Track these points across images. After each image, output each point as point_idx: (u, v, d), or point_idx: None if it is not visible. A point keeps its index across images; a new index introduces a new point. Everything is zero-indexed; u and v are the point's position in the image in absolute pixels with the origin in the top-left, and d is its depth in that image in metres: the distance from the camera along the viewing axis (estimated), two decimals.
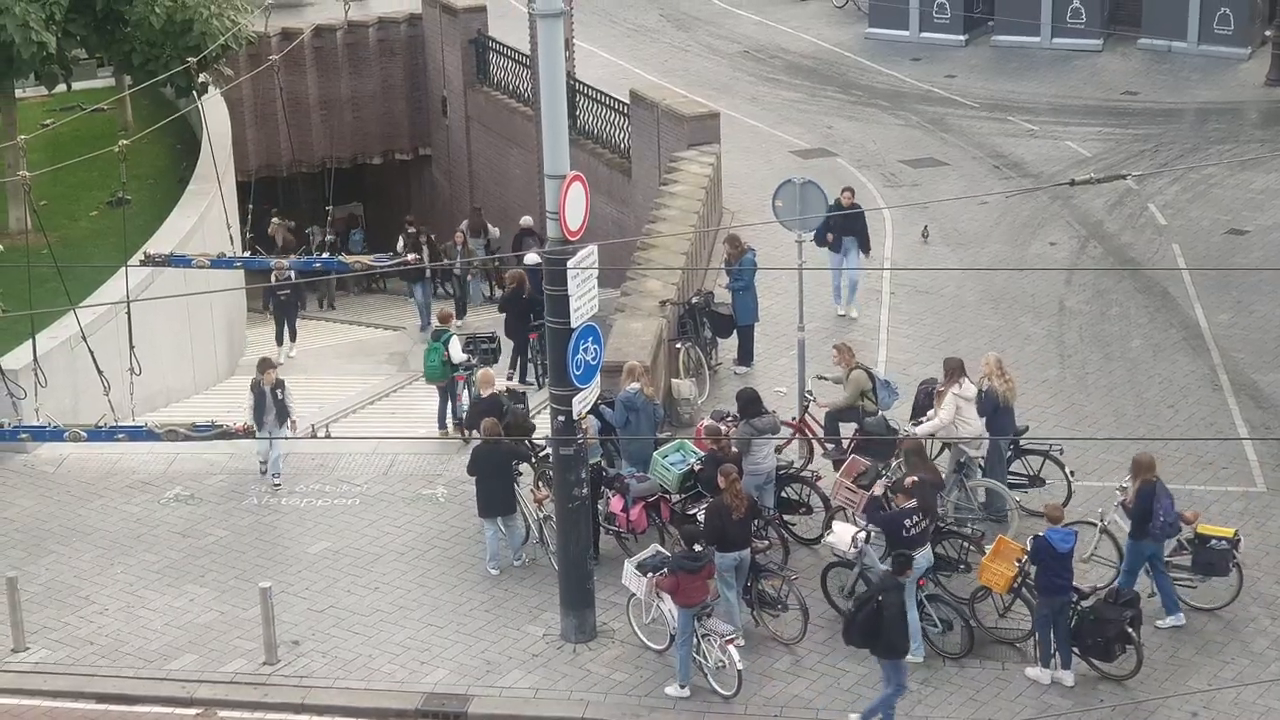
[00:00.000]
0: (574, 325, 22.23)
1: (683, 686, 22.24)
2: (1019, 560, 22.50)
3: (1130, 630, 21.88)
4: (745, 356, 30.85)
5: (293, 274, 33.20)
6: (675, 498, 24.90)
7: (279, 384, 27.71)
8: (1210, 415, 28.75)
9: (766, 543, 24.11)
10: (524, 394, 28.64)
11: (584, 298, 22.38)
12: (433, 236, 41.27)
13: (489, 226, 42.09)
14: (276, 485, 27.55)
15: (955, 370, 25.40)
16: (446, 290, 41.79)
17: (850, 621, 21.35)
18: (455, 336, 29.91)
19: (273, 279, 34.78)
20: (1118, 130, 42.54)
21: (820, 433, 26.72)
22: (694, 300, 30.78)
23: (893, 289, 33.93)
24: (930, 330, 31.86)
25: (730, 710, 21.92)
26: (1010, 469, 25.80)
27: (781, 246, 31.81)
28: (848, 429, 26.55)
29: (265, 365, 27.70)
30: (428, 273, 36.86)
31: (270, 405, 27.35)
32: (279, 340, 37.30)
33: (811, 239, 30.06)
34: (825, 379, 27.56)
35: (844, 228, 31.70)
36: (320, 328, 40.67)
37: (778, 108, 45.11)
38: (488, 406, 26.35)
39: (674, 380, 29.28)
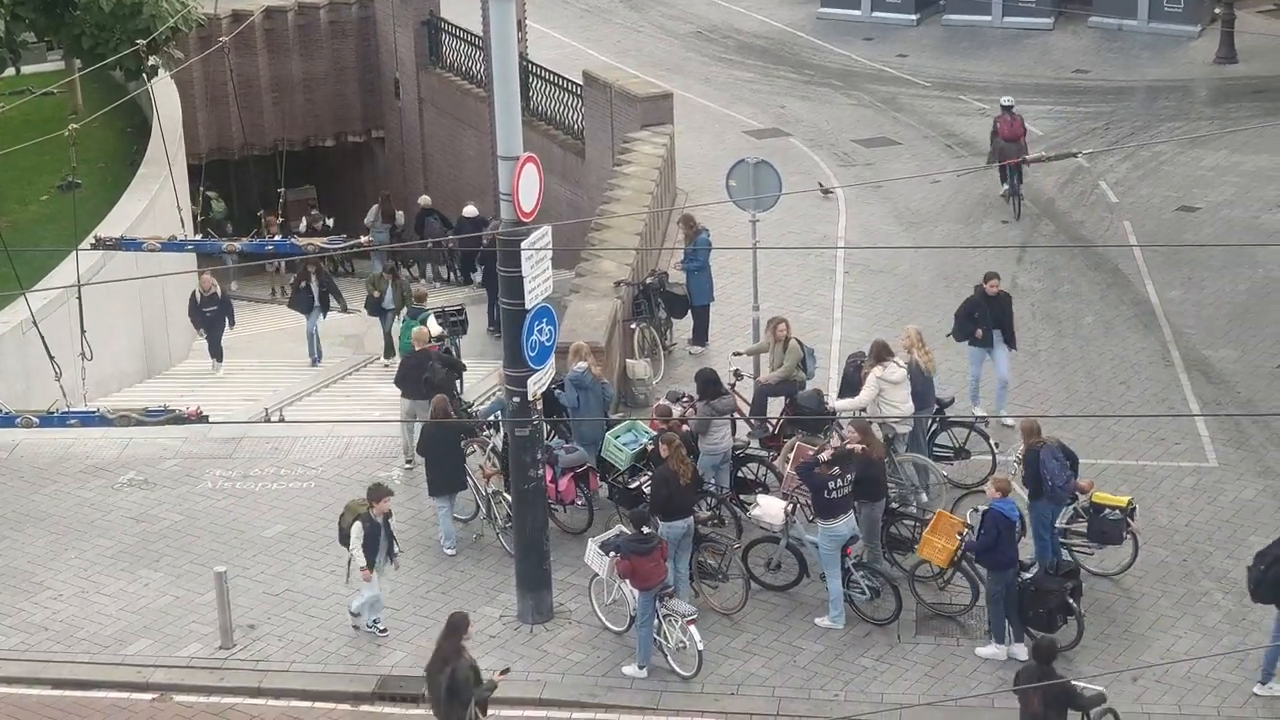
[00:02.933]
0: (529, 307, 22.21)
1: (641, 667, 22.29)
2: (960, 534, 22.68)
3: (1071, 600, 22.08)
4: (700, 336, 30.89)
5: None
6: (622, 475, 24.94)
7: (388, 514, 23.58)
8: (1162, 391, 28.91)
9: (708, 513, 24.16)
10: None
11: (538, 279, 22.37)
12: (328, 222, 42.03)
13: (396, 212, 43.14)
14: (383, 632, 23.51)
15: (880, 352, 25.50)
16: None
17: (1260, 579, 21.32)
18: (430, 314, 30.90)
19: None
20: (1069, 108, 42.70)
21: (747, 410, 26.76)
22: (649, 281, 30.80)
23: (847, 268, 33.98)
24: (884, 309, 31.95)
25: (688, 689, 21.98)
26: (936, 441, 25.98)
27: (736, 227, 31.86)
28: (777, 407, 26.62)
29: (379, 493, 23.13)
30: (315, 301, 35.13)
31: (384, 539, 23.25)
32: (218, 354, 35.13)
33: (950, 336, 28.14)
34: (740, 354, 27.66)
35: (994, 319, 27.76)
36: (275, 311, 40.50)
37: (730, 88, 45.14)
38: (417, 362, 27.35)
39: (629, 361, 29.30)
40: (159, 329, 36.32)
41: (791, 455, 24.54)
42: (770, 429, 26.20)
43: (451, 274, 42.25)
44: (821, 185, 36.29)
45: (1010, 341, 27.86)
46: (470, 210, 39.88)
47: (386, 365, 34.20)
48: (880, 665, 22.38)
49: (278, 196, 42.00)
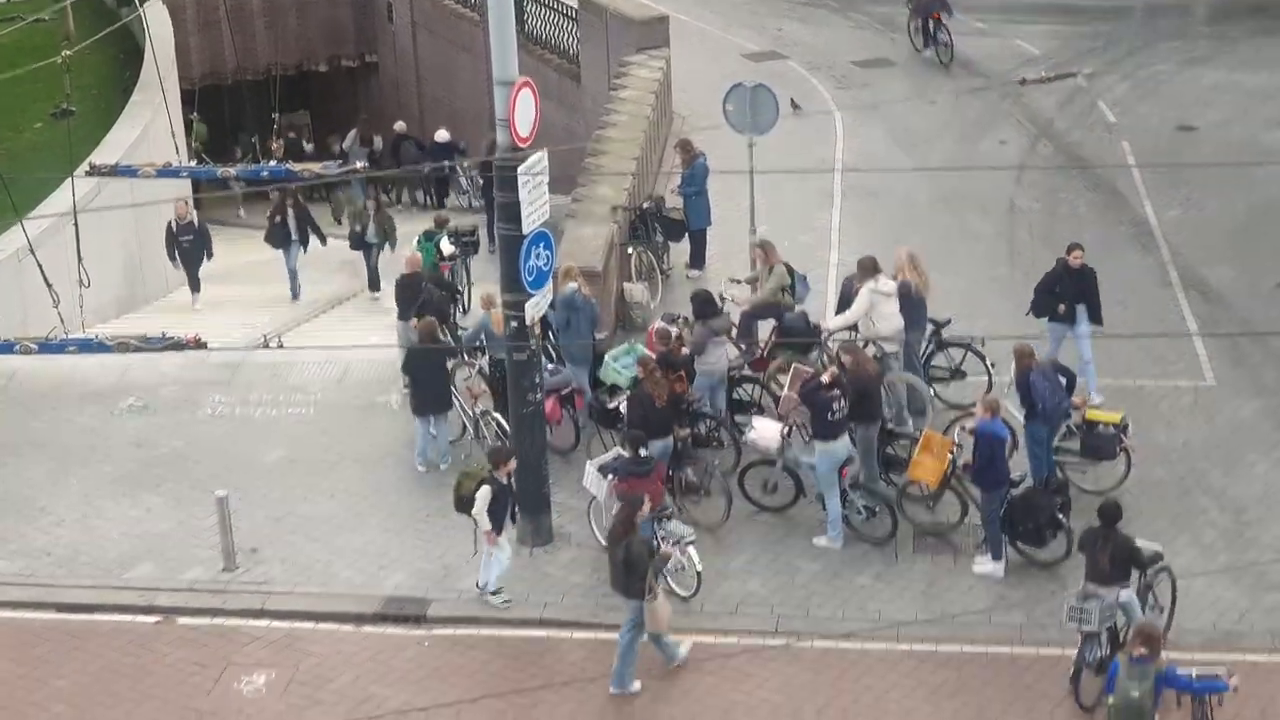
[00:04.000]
0: (525, 231, 22.22)
1: None
2: (950, 453, 22.78)
3: (1060, 516, 22.19)
4: (697, 260, 30.89)
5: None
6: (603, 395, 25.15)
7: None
8: (1160, 311, 28.94)
9: (686, 432, 24.28)
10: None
11: (535, 204, 22.36)
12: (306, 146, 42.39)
13: (375, 137, 43.29)
14: (508, 603, 22.62)
15: (869, 268, 25.55)
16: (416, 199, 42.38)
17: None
18: (444, 234, 31.52)
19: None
20: (1067, 28, 42.58)
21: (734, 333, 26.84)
22: (645, 205, 30.79)
23: (844, 191, 33.95)
24: (881, 231, 31.91)
25: (687, 609, 22.08)
26: (932, 362, 26.06)
27: (733, 150, 31.77)
28: (765, 331, 26.68)
29: (504, 455, 22.40)
30: (293, 235, 34.44)
31: (507, 501, 22.46)
32: (195, 286, 34.59)
33: (1029, 313, 26.30)
34: (738, 281, 27.67)
35: (1076, 293, 26.11)
36: (241, 233, 40.44)
37: (727, 11, 45.00)
38: (409, 283, 27.60)
39: (626, 285, 29.32)
40: (155, 256, 36.25)
41: (789, 379, 24.60)
42: (757, 352, 26.26)
43: (427, 199, 42.41)
44: (793, 101, 36.08)
45: (1095, 316, 26.07)
46: (442, 135, 40.19)
47: (375, 299, 34.16)
48: (878, 584, 22.50)
49: (272, 122, 41.96)
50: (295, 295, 35.03)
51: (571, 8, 40.16)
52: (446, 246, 31.39)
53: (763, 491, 24.05)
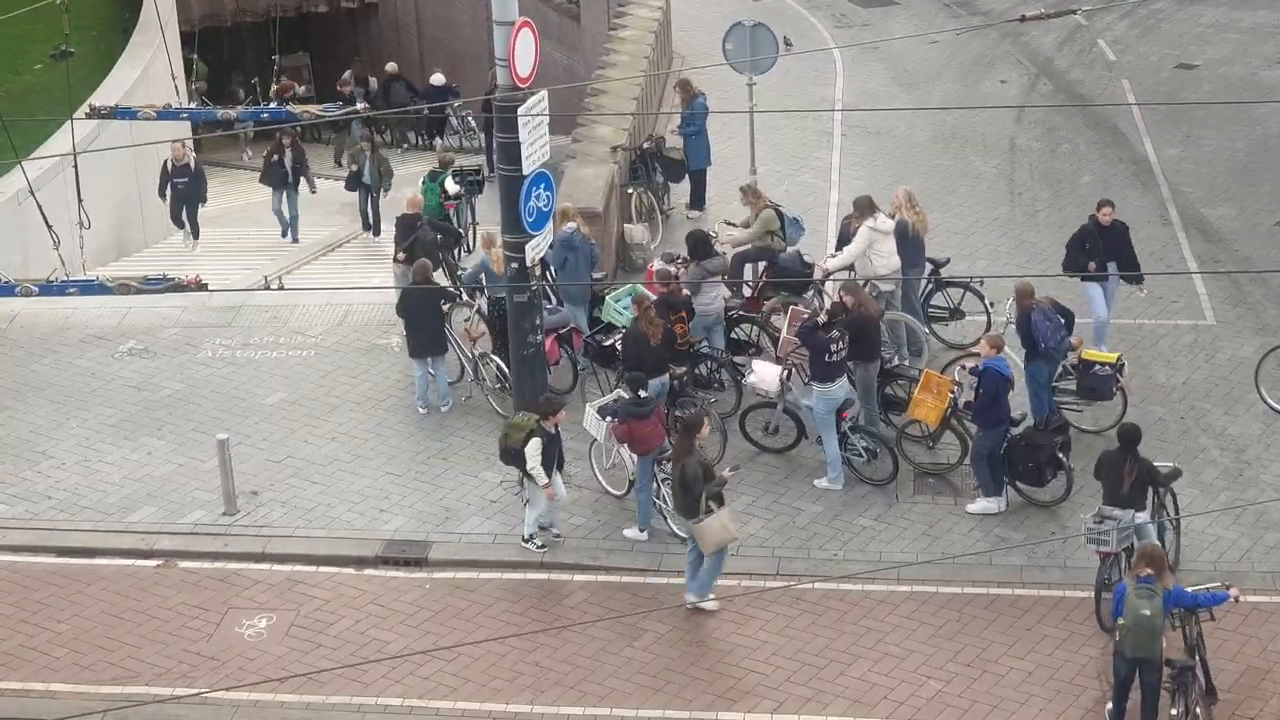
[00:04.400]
0: (526, 172, 22.18)
1: (642, 530, 22.44)
2: (951, 392, 22.81)
3: (1060, 455, 22.22)
4: (697, 201, 30.84)
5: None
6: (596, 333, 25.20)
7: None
8: (1160, 250, 28.91)
9: (683, 369, 24.30)
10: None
11: (535, 144, 22.31)
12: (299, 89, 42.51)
13: (370, 79, 43.01)
14: (558, 537, 22.69)
15: (866, 207, 25.59)
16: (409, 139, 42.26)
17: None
18: (449, 173, 31.50)
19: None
20: None
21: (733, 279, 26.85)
22: (645, 146, 30.72)
23: (844, 131, 33.88)
24: (881, 171, 31.86)
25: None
26: (931, 302, 26.04)
27: (733, 90, 31.69)
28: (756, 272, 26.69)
29: (554, 405, 22.25)
30: (290, 179, 33.95)
31: (556, 451, 22.25)
32: (178, 225, 34.07)
33: (1061, 270, 25.63)
34: (733, 225, 27.63)
35: (1107, 250, 25.23)
36: (246, 175, 40.34)
37: None
38: (407, 222, 27.87)
39: (627, 225, 29.28)
40: (156, 197, 36.14)
41: (787, 320, 24.59)
42: (750, 292, 26.28)
43: (420, 140, 42.39)
44: (786, 39, 35.88)
45: (1130, 273, 25.28)
46: (438, 78, 40.24)
47: (374, 240, 34.07)
48: (878, 525, 22.54)
49: (272, 64, 41.82)
50: (293, 238, 34.65)
51: None
52: (451, 186, 31.40)
53: (764, 433, 24.09)
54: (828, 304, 24.19)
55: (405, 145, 42.25)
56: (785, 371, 23.67)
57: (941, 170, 32.17)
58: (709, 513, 20.69)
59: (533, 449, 21.63)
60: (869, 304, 23.78)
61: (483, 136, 39.21)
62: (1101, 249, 25.04)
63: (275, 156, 34.19)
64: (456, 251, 30.05)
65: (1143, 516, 20.61)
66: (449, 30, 46.15)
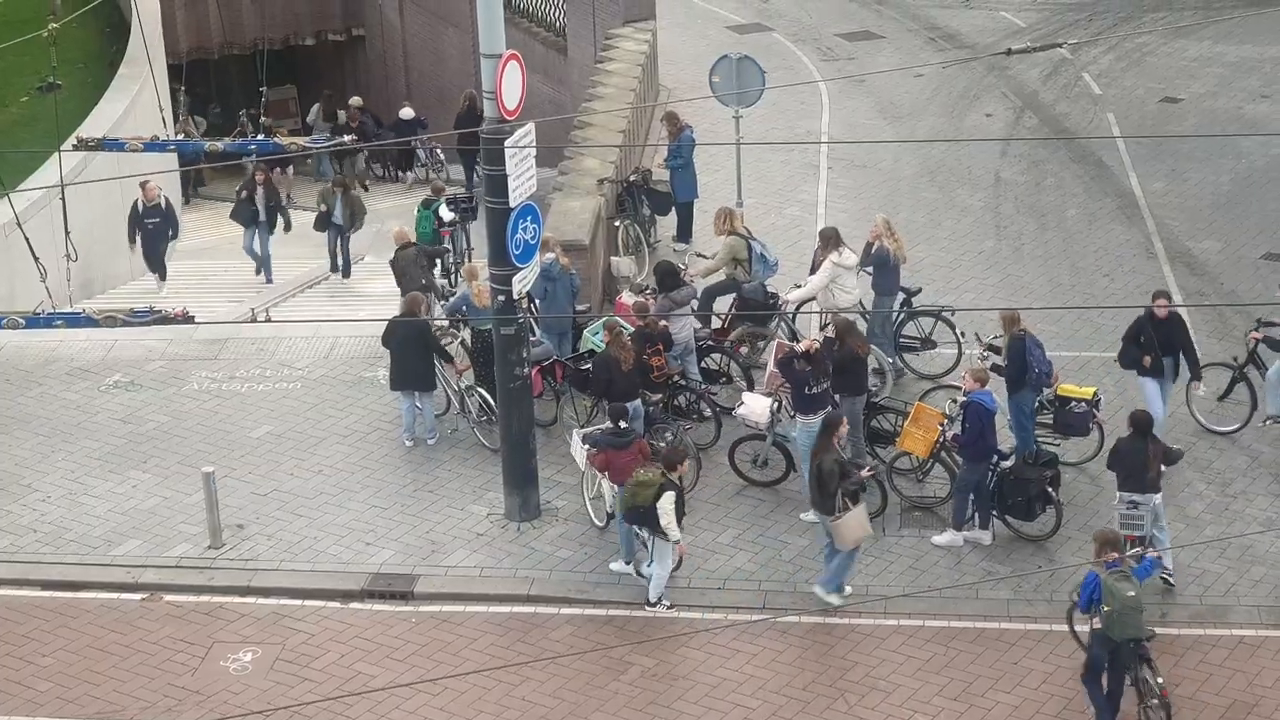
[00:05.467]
0: (513, 205, 22.19)
1: (627, 562, 22.41)
2: (941, 425, 22.85)
3: (1050, 490, 22.26)
4: (684, 233, 30.87)
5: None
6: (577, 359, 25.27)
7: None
8: (1145, 283, 28.90)
9: (658, 396, 24.35)
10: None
11: (522, 177, 22.33)
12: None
13: (338, 112, 43.07)
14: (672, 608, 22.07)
15: (831, 239, 25.74)
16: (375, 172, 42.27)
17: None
18: (443, 201, 31.60)
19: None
20: (1052, 0, 42.49)
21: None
22: (632, 178, 30.76)
23: (830, 164, 33.94)
24: (868, 204, 31.90)
25: (674, 584, 22.11)
26: (902, 331, 26.09)
27: (719, 123, 31.76)
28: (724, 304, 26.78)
29: (680, 456, 21.90)
30: (261, 217, 33.26)
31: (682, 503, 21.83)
32: (159, 272, 33.23)
33: (1115, 360, 24.67)
34: (704, 256, 27.70)
35: (1164, 344, 24.08)
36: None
37: None
38: (406, 254, 28.56)
39: (613, 258, 29.30)
40: None
41: (773, 352, 24.63)
42: (719, 324, 26.39)
43: (385, 172, 42.48)
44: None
45: (1192, 370, 24.22)
46: (406, 112, 40.30)
47: (345, 283, 33.58)
48: (865, 558, 22.49)
49: (259, 96, 41.81)
50: (267, 278, 33.87)
51: None
52: (446, 213, 31.50)
53: (753, 466, 24.09)
54: (799, 337, 24.28)
55: (370, 178, 42.12)
56: (775, 403, 23.70)
57: (927, 203, 32.23)
58: (845, 510, 21.02)
59: (666, 504, 21.09)
60: (857, 340, 23.80)
61: (450, 169, 39.66)
62: (1157, 342, 23.92)
63: (245, 193, 33.56)
64: (450, 275, 30.23)
65: (1160, 500, 21.35)
66: (436, 63, 46.21)
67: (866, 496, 22.94)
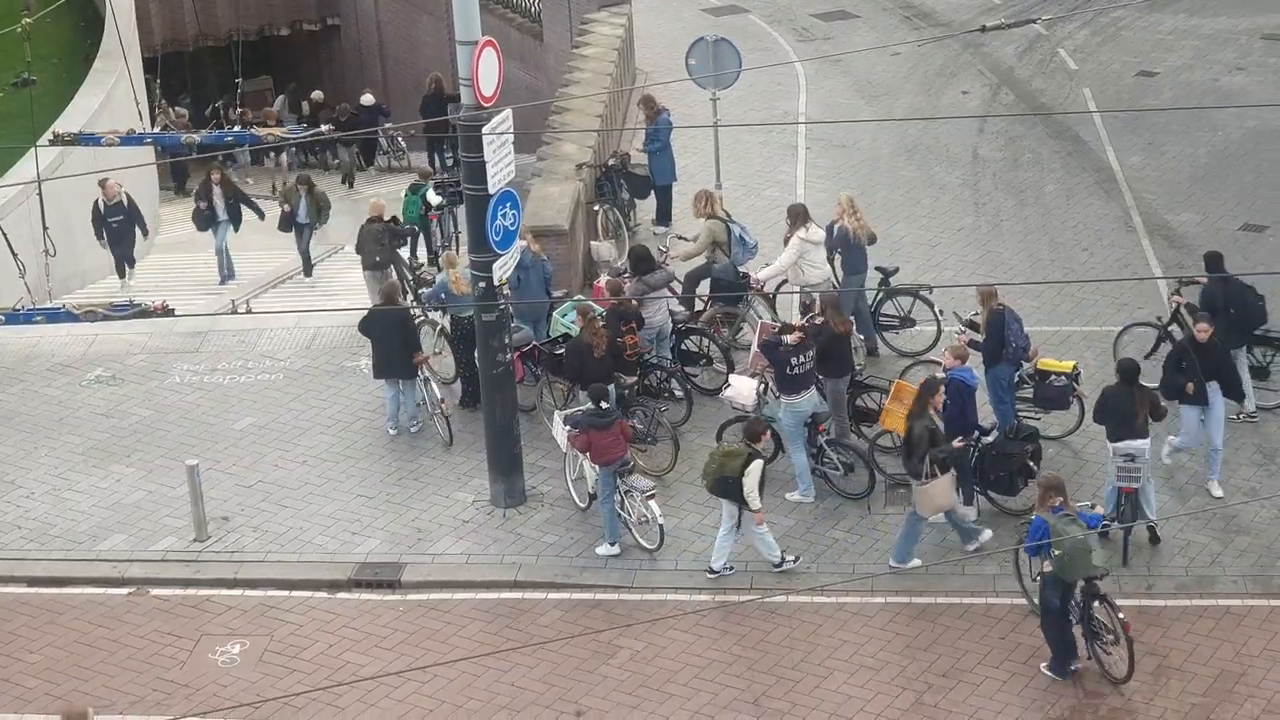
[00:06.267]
0: (492, 191, 22.17)
1: (612, 544, 22.43)
2: None
3: (1032, 464, 22.32)
4: (663, 216, 30.86)
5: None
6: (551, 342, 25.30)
7: None
8: (1125, 257, 29.01)
9: (633, 379, 24.43)
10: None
11: (501, 163, 22.31)
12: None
13: (302, 103, 43.49)
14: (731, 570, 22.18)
15: (799, 215, 25.84)
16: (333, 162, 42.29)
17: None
18: (430, 185, 31.62)
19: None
20: None
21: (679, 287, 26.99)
22: (610, 162, 30.74)
23: (808, 144, 33.94)
24: (847, 184, 31.86)
25: (661, 567, 22.14)
26: (881, 310, 26.20)
27: (696, 105, 31.76)
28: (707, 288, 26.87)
29: (761, 428, 22.03)
30: (221, 216, 32.60)
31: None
32: (119, 273, 32.79)
33: (1159, 389, 23.01)
34: (684, 238, 27.76)
35: (1207, 370, 22.72)
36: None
37: None
38: (380, 231, 28.88)
39: (593, 243, 29.31)
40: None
41: (757, 333, 24.63)
42: (697, 306, 26.51)
43: (333, 159, 42.57)
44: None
45: (1235, 393, 23.22)
46: (367, 98, 40.24)
47: (308, 282, 33.00)
48: (850, 537, 22.56)
49: (235, 87, 41.73)
50: (224, 277, 33.30)
51: None
52: (433, 197, 31.50)
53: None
54: (768, 318, 24.42)
55: (358, 166, 42.06)
56: (761, 385, 23.72)
57: (906, 182, 32.25)
58: (933, 477, 21.14)
59: (754, 473, 21.24)
60: (840, 320, 23.81)
61: (410, 157, 40.09)
62: (1199, 369, 22.69)
63: (202, 203, 32.74)
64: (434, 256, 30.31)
65: (1147, 444, 21.59)
66: (411, 51, 46.13)
67: (854, 477, 23.05)
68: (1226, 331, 23.59)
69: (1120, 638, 19.60)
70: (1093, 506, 20.49)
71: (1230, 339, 23.74)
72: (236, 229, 33.14)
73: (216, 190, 32.63)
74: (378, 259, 28.95)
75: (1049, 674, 20.08)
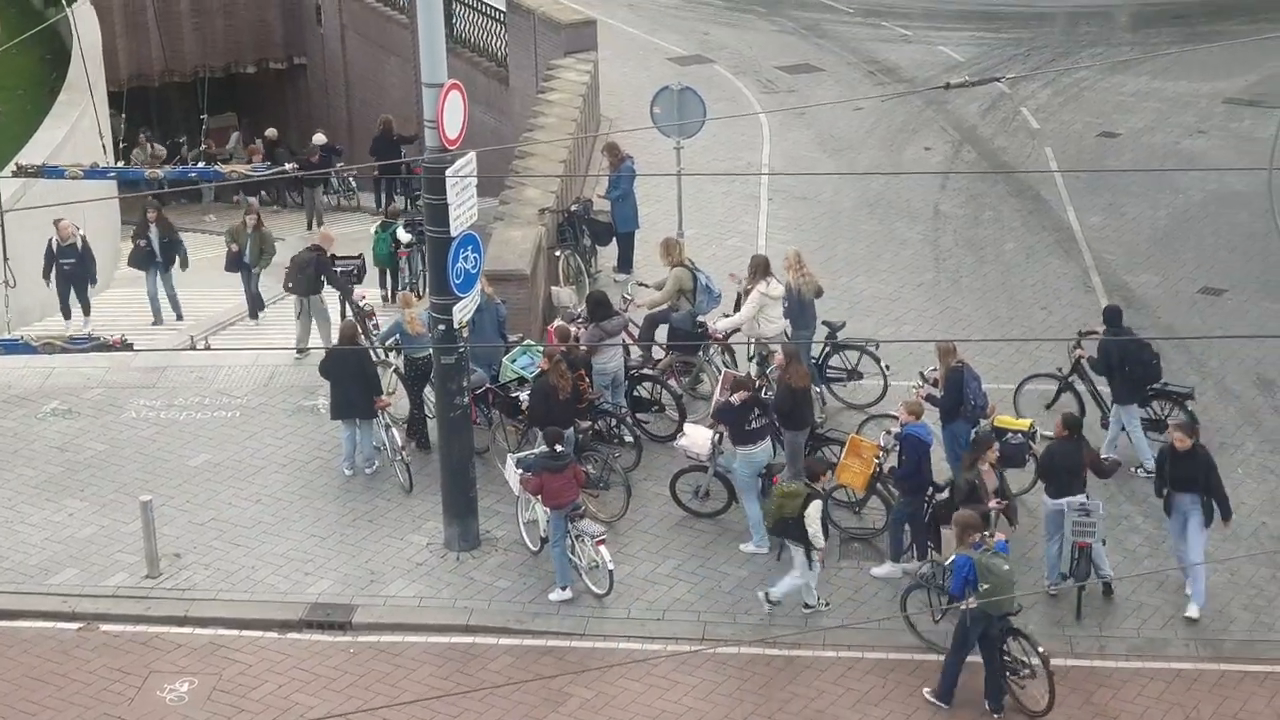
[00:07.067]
0: (454, 234, 22.19)
1: (564, 589, 22.40)
2: (877, 458, 22.93)
3: (986, 520, 22.29)
4: (625, 263, 30.91)
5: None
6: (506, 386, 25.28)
7: None
8: (1083, 316, 29.07)
9: (589, 424, 24.47)
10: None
11: (463, 206, 22.34)
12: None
13: (256, 140, 43.83)
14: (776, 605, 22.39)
15: (761, 268, 25.89)
16: (295, 200, 42.20)
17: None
18: (400, 224, 31.81)
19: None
20: (990, 35, 42.83)
21: (635, 333, 27.05)
22: (573, 208, 30.80)
23: (771, 195, 34.05)
24: (808, 236, 32.02)
25: (613, 615, 22.12)
26: (829, 364, 26.28)
27: (660, 154, 31.85)
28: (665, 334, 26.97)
29: (821, 467, 22.31)
30: (157, 257, 31.66)
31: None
32: (65, 314, 31.54)
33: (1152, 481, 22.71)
34: (645, 285, 27.85)
35: (1180, 479, 21.61)
36: (205, 240, 40.14)
37: (654, 15, 45.06)
38: (307, 260, 28.69)
39: (554, 288, 29.31)
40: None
41: (720, 384, 24.65)
42: (657, 353, 26.62)
43: (294, 199, 42.54)
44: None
45: (1222, 509, 21.59)
46: (319, 138, 40.26)
47: (254, 325, 32.24)
48: None
49: (200, 124, 41.71)
50: (178, 315, 32.33)
51: (500, 11, 40.11)
52: (403, 235, 31.59)
53: (694, 498, 24.11)
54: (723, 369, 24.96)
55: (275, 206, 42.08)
56: (716, 435, 23.73)
57: (867, 235, 32.37)
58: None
59: (814, 512, 21.37)
60: (799, 374, 23.84)
61: (360, 196, 40.17)
62: (1175, 478, 21.62)
63: (142, 241, 31.81)
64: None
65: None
66: (378, 92, 46.19)
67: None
68: (1120, 387, 24.41)
69: (1037, 672, 19.97)
70: (992, 535, 20.57)
71: (1126, 395, 24.43)
72: (168, 270, 32.18)
73: (153, 229, 31.85)
74: (290, 285, 28.90)
75: (934, 701, 20.53)
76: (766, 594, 22.13)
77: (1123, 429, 24.71)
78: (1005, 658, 20.23)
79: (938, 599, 21.30)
